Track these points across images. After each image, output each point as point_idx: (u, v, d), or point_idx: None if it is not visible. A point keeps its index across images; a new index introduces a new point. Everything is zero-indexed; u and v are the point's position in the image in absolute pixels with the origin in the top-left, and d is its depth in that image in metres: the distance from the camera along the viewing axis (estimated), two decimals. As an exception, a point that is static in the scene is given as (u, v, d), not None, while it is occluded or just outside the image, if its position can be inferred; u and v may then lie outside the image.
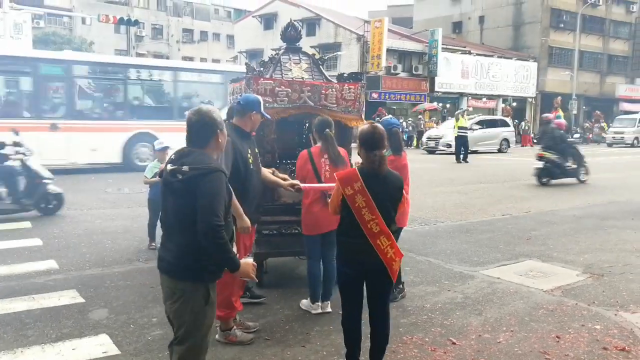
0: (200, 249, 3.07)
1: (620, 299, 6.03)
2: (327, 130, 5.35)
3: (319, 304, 5.49)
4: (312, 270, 5.49)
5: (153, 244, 7.72)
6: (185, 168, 3.07)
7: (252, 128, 4.85)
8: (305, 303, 5.59)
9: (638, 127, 38.98)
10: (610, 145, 37.79)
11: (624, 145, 37.53)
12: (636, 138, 38.36)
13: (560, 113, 39.18)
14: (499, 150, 29.58)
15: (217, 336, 4.71)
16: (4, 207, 9.81)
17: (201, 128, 3.23)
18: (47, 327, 5.00)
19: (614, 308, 5.73)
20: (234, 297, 4.78)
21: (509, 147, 30.30)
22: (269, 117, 5.12)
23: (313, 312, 5.47)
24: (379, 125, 4.11)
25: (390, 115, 13.58)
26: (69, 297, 5.81)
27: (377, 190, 3.87)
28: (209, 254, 3.09)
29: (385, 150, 4.26)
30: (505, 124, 31.65)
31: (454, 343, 4.80)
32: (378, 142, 3.98)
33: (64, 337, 4.79)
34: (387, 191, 3.95)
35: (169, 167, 3.15)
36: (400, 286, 5.81)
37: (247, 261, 3.27)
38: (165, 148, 7.84)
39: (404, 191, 4.10)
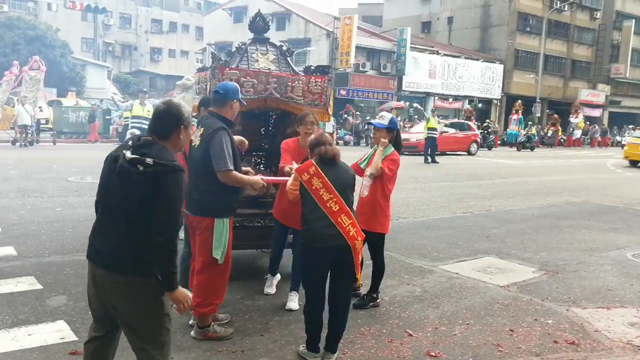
0: (148, 243, 2.93)
1: (573, 295, 6.21)
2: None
3: (271, 278, 5.81)
4: (276, 241, 5.71)
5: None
6: (149, 160, 2.91)
7: (232, 117, 4.67)
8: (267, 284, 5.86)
9: None
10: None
11: None
12: None
13: (521, 116, 39.80)
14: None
15: (192, 333, 4.62)
16: None
17: (167, 118, 3.12)
18: (2, 313, 4.93)
19: (566, 304, 5.90)
20: (216, 295, 4.68)
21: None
22: (245, 103, 5.00)
23: (266, 289, 5.76)
24: (325, 134, 4.58)
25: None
26: (27, 284, 5.73)
27: (331, 175, 4.18)
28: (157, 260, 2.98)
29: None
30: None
31: (410, 335, 4.90)
32: (322, 142, 4.34)
33: (20, 323, 4.74)
34: (340, 176, 4.26)
35: (128, 154, 2.96)
36: (374, 295, 5.61)
37: (187, 292, 3.09)
38: None
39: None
